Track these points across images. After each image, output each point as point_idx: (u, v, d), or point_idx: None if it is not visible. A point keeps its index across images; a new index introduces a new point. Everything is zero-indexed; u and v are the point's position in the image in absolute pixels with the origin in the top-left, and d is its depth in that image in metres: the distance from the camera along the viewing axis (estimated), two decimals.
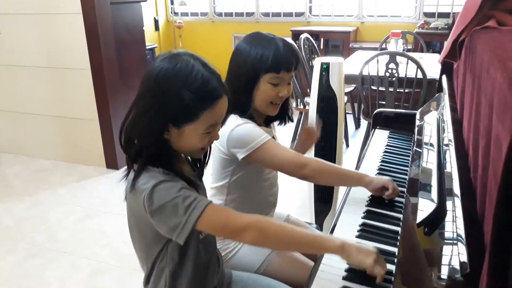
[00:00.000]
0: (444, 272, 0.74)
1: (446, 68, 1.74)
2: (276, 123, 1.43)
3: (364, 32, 5.06)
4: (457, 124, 1.23)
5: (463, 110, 1.23)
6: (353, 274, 0.98)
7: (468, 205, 0.80)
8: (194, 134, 0.94)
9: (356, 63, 3.20)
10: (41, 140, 3.54)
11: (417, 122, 1.62)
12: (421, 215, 0.97)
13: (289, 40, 1.31)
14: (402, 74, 2.78)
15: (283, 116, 1.39)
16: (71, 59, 3.17)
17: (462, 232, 0.72)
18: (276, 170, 1.33)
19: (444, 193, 0.91)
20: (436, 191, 0.97)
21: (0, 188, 3.10)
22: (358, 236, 1.12)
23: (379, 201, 1.26)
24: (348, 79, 2.96)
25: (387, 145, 1.68)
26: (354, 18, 5.06)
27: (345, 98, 3.12)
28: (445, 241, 0.80)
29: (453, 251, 0.74)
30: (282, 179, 1.57)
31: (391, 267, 0.99)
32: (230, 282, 1.17)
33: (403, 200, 1.26)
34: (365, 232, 1.14)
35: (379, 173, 1.45)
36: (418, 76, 2.74)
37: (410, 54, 3.00)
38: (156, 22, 5.63)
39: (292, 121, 1.44)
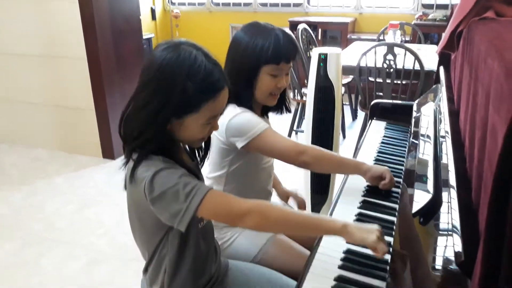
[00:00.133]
0: (439, 263, 0.74)
1: (444, 59, 1.74)
2: (272, 114, 1.43)
3: (362, 23, 5.05)
4: (453, 115, 1.23)
5: (460, 101, 1.23)
6: (348, 263, 0.99)
7: (464, 196, 0.81)
8: (195, 124, 0.94)
9: (354, 54, 3.19)
10: (38, 130, 3.53)
11: (414, 114, 1.62)
12: (416, 206, 0.98)
13: (287, 30, 1.30)
14: (399, 66, 2.78)
15: (280, 106, 1.39)
16: (67, 47, 3.14)
17: (457, 223, 0.73)
18: (275, 158, 1.33)
19: (440, 184, 0.92)
20: (432, 182, 0.98)
21: None
22: None
23: (375, 191, 1.27)
24: (346, 70, 2.95)
25: (384, 136, 1.69)
26: (352, 9, 5.04)
27: (343, 89, 3.12)
28: (440, 232, 0.80)
29: (448, 242, 0.74)
30: (278, 169, 1.57)
31: (386, 256, 1.00)
32: (227, 271, 1.18)
33: (399, 190, 1.26)
34: (361, 221, 1.14)
35: (375, 164, 1.46)
36: (415, 68, 2.73)
37: (408, 45, 2.99)
38: (153, 11, 5.59)
39: (289, 111, 1.44)
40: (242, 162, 1.29)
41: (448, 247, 0.74)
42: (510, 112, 0.46)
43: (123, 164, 0.99)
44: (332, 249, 1.03)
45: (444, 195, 0.85)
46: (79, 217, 2.57)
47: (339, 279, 0.94)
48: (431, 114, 1.43)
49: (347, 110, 4.17)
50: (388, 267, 0.96)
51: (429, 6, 4.72)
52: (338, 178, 2.22)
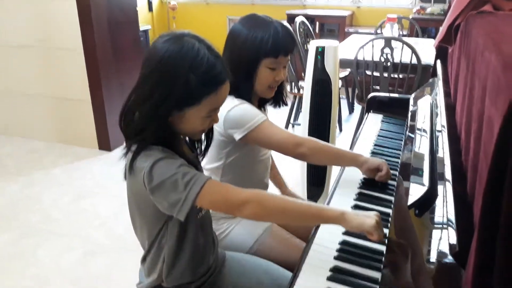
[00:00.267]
0: (434, 255, 0.75)
1: (441, 53, 1.74)
2: (269, 106, 1.43)
3: (360, 17, 5.04)
4: (450, 109, 1.23)
5: (456, 95, 1.24)
6: (344, 254, 1.00)
7: (459, 188, 0.82)
8: (195, 117, 0.94)
9: (351, 48, 3.19)
10: (34, 121, 3.51)
11: (411, 107, 1.63)
12: (412, 198, 0.99)
13: (285, 23, 1.30)
14: (397, 59, 2.78)
15: (278, 99, 1.39)
16: (63, 39, 3.12)
17: (452, 217, 0.73)
18: (273, 150, 1.33)
19: (436, 177, 0.92)
20: (428, 175, 0.99)
21: None
22: None
23: (371, 183, 1.28)
24: (343, 64, 2.95)
25: (381, 129, 1.69)
26: (350, 2, 5.03)
27: (340, 82, 3.12)
28: (435, 225, 0.81)
29: (443, 235, 0.75)
30: (275, 162, 1.58)
31: (381, 247, 1.01)
32: (224, 262, 1.19)
33: (395, 183, 1.27)
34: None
35: (372, 157, 1.46)
36: (412, 62, 2.74)
37: (406, 39, 2.99)
38: (149, 3, 5.54)
39: (286, 104, 1.44)
40: (239, 154, 1.29)
41: (443, 240, 0.74)
42: (507, 104, 0.46)
43: (123, 155, 0.98)
44: (328, 240, 1.04)
45: (440, 188, 0.86)
46: (76, 208, 2.57)
47: (335, 269, 0.94)
48: (427, 107, 1.44)
49: (344, 104, 4.17)
50: (383, 258, 0.97)
51: (427, 0, 4.72)
52: (335, 171, 2.24)
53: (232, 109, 1.20)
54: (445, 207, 0.79)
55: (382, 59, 2.82)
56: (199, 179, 0.90)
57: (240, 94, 1.23)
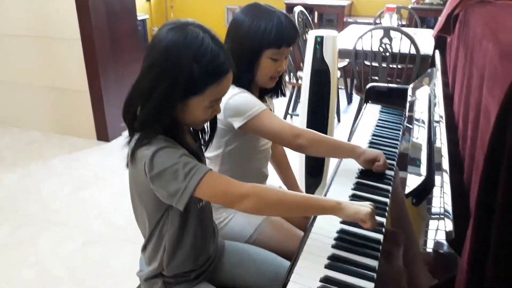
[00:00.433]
0: (430, 245, 0.76)
1: (440, 43, 1.74)
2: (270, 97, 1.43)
3: (359, 7, 5.01)
4: (448, 99, 1.24)
5: (454, 85, 1.24)
6: (342, 242, 1.01)
7: (456, 177, 0.82)
8: (198, 107, 0.94)
9: (350, 38, 3.18)
10: (32, 112, 3.50)
11: (409, 98, 1.63)
12: (409, 188, 0.99)
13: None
14: (395, 50, 2.78)
15: (277, 89, 1.39)
16: (61, 28, 3.10)
17: (449, 207, 0.74)
18: (271, 140, 1.34)
19: (433, 166, 0.93)
20: (425, 165, 0.99)
21: None
22: None
23: (369, 173, 1.28)
24: (342, 54, 2.95)
25: (379, 119, 1.70)
26: None
27: (338, 73, 3.12)
28: (432, 214, 0.82)
29: (439, 223, 0.76)
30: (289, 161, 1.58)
31: (379, 236, 1.02)
32: (223, 251, 1.20)
33: (392, 173, 1.28)
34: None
35: (370, 146, 1.47)
36: (411, 52, 2.73)
37: (404, 29, 2.98)
38: None
39: (284, 95, 1.44)
40: (238, 143, 1.29)
41: (439, 227, 0.75)
42: (504, 92, 0.47)
43: (126, 143, 0.99)
44: (325, 229, 1.05)
45: (437, 178, 0.87)
46: (75, 198, 2.58)
47: (333, 258, 0.95)
48: (425, 98, 1.44)
49: (342, 94, 4.17)
50: (380, 247, 0.98)
51: None
52: (333, 161, 2.25)
53: (232, 97, 1.20)
54: (442, 196, 0.79)
55: (381, 49, 2.81)
56: (200, 170, 0.90)
57: (241, 84, 1.23)
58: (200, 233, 1.06)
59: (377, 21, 4.08)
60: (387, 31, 2.77)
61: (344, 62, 3.72)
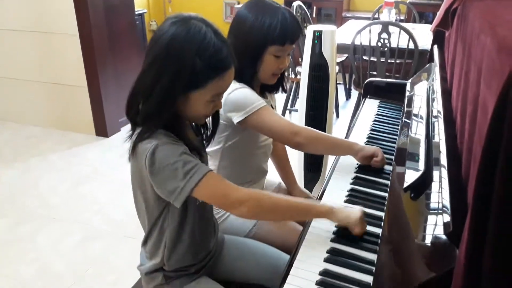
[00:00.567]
0: (428, 239, 0.77)
1: (438, 37, 1.74)
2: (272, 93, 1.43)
3: (357, 1, 5.00)
4: (446, 93, 1.24)
5: (453, 80, 1.24)
6: (340, 236, 1.01)
7: (454, 171, 0.83)
8: (199, 101, 0.94)
9: (349, 33, 3.18)
10: (31, 107, 3.50)
11: (407, 93, 1.63)
12: (407, 181, 1.00)
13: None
14: (394, 44, 2.78)
15: (277, 85, 1.39)
16: (59, 23, 3.09)
17: (447, 202, 0.74)
18: (269, 137, 1.34)
19: (431, 161, 0.93)
20: (423, 160, 1.00)
21: None
22: (346, 201, 1.15)
23: (367, 168, 1.29)
24: (340, 49, 2.95)
25: (377, 114, 1.70)
26: None
27: (337, 68, 3.11)
28: (431, 207, 0.83)
29: (438, 216, 0.77)
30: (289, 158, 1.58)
31: (377, 230, 1.02)
32: (223, 245, 1.20)
33: (390, 167, 1.28)
34: (353, 197, 1.17)
35: (368, 141, 1.48)
36: (410, 47, 2.73)
37: (403, 24, 2.98)
38: None
39: (285, 91, 1.44)
40: (238, 139, 1.30)
41: (437, 219, 0.76)
42: (501, 85, 0.47)
43: (128, 137, 0.99)
44: (324, 223, 1.05)
45: (435, 173, 0.87)
46: (74, 194, 2.59)
47: (332, 251, 0.96)
48: (424, 93, 1.44)
49: (341, 90, 4.17)
50: (379, 241, 0.99)
51: None
52: (331, 156, 2.25)
53: (233, 92, 1.20)
54: (440, 192, 0.80)
55: (379, 44, 2.82)
56: (199, 170, 0.90)
57: (242, 80, 1.23)
58: (200, 228, 1.07)
59: (376, 16, 4.08)
60: (385, 26, 2.77)
61: (342, 57, 3.72)
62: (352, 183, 1.23)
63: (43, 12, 3.09)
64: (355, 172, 1.28)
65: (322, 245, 0.99)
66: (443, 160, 0.86)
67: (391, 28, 2.78)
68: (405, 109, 1.52)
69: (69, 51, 3.14)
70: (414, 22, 4.00)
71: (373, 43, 2.82)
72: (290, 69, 3.40)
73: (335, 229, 1.04)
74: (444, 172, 0.82)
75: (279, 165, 1.60)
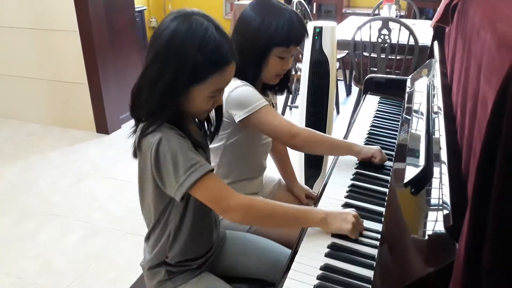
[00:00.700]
0: (428, 233, 0.77)
1: (438, 33, 1.74)
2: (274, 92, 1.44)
3: None
4: (446, 89, 1.24)
5: (453, 75, 1.24)
6: None
7: (454, 166, 0.83)
8: (199, 96, 0.94)
9: (349, 29, 3.18)
10: (31, 104, 3.50)
11: (408, 89, 1.63)
12: (408, 177, 1.00)
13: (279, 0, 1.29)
14: (394, 41, 2.78)
15: (283, 86, 1.39)
16: (59, 21, 3.09)
17: (447, 193, 0.75)
18: (268, 136, 1.34)
19: (432, 157, 0.94)
20: (424, 156, 1.00)
21: None
22: (346, 197, 1.16)
23: (368, 164, 1.29)
24: (340, 45, 2.95)
25: (378, 110, 1.70)
26: None
27: (337, 64, 3.12)
28: (431, 202, 0.83)
29: (438, 211, 0.77)
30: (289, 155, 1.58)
31: (378, 225, 1.03)
32: (224, 240, 1.21)
33: (391, 163, 1.29)
34: (354, 192, 1.17)
35: (368, 137, 1.48)
36: (410, 43, 2.73)
37: (403, 20, 2.98)
38: None
39: (291, 92, 1.45)
40: (240, 136, 1.30)
41: (438, 218, 0.76)
42: (500, 80, 0.48)
43: (132, 133, 0.99)
44: None
45: (436, 169, 0.87)
46: (75, 191, 2.59)
47: (333, 246, 0.97)
48: (424, 89, 1.44)
49: (341, 86, 4.17)
50: (380, 236, 0.99)
51: None
52: None
53: (235, 90, 1.21)
54: (441, 188, 0.80)
55: (380, 40, 2.81)
56: (200, 168, 0.91)
57: (245, 79, 1.23)
58: (202, 223, 1.07)
59: (376, 12, 4.07)
60: (386, 22, 2.77)
61: (343, 53, 3.72)
62: (352, 179, 1.24)
63: (44, 9, 3.09)
64: (356, 168, 1.29)
65: (323, 240, 0.99)
66: (443, 156, 0.87)
67: (391, 24, 2.77)
68: (406, 105, 1.52)
69: (69, 48, 3.14)
70: (415, 18, 4.00)
71: (374, 39, 2.82)
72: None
73: None
74: (444, 168, 0.83)
75: (279, 162, 1.60)
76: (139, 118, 0.97)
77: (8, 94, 3.53)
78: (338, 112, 3.73)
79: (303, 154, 2.23)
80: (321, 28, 2.00)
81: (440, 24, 1.49)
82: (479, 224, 0.50)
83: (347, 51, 3.57)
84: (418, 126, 1.24)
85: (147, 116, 0.94)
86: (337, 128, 3.16)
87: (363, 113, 1.69)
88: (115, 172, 2.78)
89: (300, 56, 2.77)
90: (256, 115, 1.20)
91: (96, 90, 3.21)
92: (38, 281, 1.90)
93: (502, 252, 0.51)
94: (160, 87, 0.91)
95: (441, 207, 0.74)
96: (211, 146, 1.32)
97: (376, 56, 2.89)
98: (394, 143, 1.43)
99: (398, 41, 2.76)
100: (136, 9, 3.86)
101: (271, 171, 1.60)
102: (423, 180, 0.90)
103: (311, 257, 0.94)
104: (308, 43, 2.05)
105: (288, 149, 1.62)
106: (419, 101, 1.40)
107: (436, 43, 1.71)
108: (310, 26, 2.03)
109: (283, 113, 3.44)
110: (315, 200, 1.19)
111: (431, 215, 0.81)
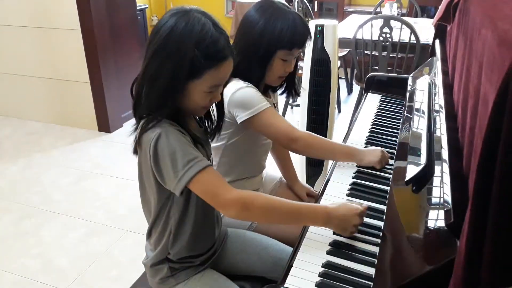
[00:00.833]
0: (430, 230, 0.77)
1: (440, 32, 1.74)
2: (278, 92, 1.44)
3: None
4: (448, 87, 1.24)
5: (454, 73, 1.24)
6: None
7: (455, 164, 0.83)
8: (196, 91, 0.95)
9: (350, 27, 3.17)
10: (32, 102, 3.51)
11: (409, 87, 1.64)
12: (409, 175, 1.00)
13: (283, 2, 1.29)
14: (395, 39, 2.78)
15: (290, 89, 1.40)
16: (60, 19, 3.09)
17: (448, 190, 0.75)
18: (269, 138, 1.35)
19: (433, 155, 0.94)
20: (425, 154, 1.00)
21: None
22: (348, 195, 1.16)
23: None
24: (342, 43, 2.95)
25: (379, 109, 1.71)
26: None
27: (338, 62, 3.12)
28: (432, 199, 0.83)
29: (439, 209, 0.77)
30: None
31: (379, 224, 1.03)
32: (226, 238, 1.22)
33: (393, 162, 1.29)
34: (355, 191, 1.17)
35: (370, 136, 1.48)
36: (411, 41, 2.73)
37: (405, 18, 2.97)
38: None
39: (299, 95, 1.45)
40: (241, 137, 1.30)
41: (439, 215, 0.77)
42: (501, 78, 0.48)
43: (133, 130, 1.00)
44: None
45: (437, 168, 0.88)
46: (76, 189, 2.60)
47: (334, 244, 0.97)
48: (425, 87, 1.44)
49: (343, 85, 4.17)
50: (381, 233, 0.99)
51: None
52: None
53: (238, 91, 1.21)
54: (442, 186, 0.80)
55: (381, 39, 2.81)
56: (198, 163, 0.91)
57: (249, 81, 1.23)
58: (204, 219, 1.08)
59: (377, 10, 4.07)
60: (387, 20, 2.77)
61: (344, 52, 3.71)
62: (354, 177, 1.24)
63: (45, 7, 3.10)
64: (357, 166, 1.29)
65: (325, 237, 0.99)
66: (445, 154, 0.87)
67: (392, 23, 2.77)
68: (407, 103, 1.53)
69: (71, 46, 3.14)
70: (416, 16, 4.00)
71: (375, 38, 2.81)
72: None
73: None
74: (446, 166, 0.83)
75: (280, 161, 1.60)
76: (140, 116, 0.97)
77: (10, 92, 3.54)
78: (339, 111, 3.73)
79: None
80: (322, 26, 2.00)
81: (442, 22, 1.49)
82: (480, 221, 0.50)
83: (348, 50, 3.57)
84: (420, 124, 1.24)
85: (147, 112, 0.95)
86: (338, 126, 3.17)
87: (364, 111, 1.69)
88: (117, 171, 2.79)
89: (302, 54, 2.77)
90: (258, 117, 1.20)
91: (97, 88, 3.21)
92: (39, 279, 1.91)
93: (503, 249, 0.51)
94: (160, 83, 0.91)
95: (442, 205, 0.75)
96: (212, 145, 1.33)
97: (377, 54, 2.89)
98: (396, 141, 1.43)
99: (399, 40, 2.76)
100: (137, 8, 3.86)
101: (272, 170, 1.60)
102: (424, 178, 0.90)
103: (313, 254, 0.95)
104: (309, 41, 2.05)
105: None
106: (420, 100, 1.40)
107: (437, 41, 1.71)
108: (312, 24, 2.03)
109: (284, 111, 3.44)
110: (316, 198, 1.19)
111: (432, 212, 0.82)
